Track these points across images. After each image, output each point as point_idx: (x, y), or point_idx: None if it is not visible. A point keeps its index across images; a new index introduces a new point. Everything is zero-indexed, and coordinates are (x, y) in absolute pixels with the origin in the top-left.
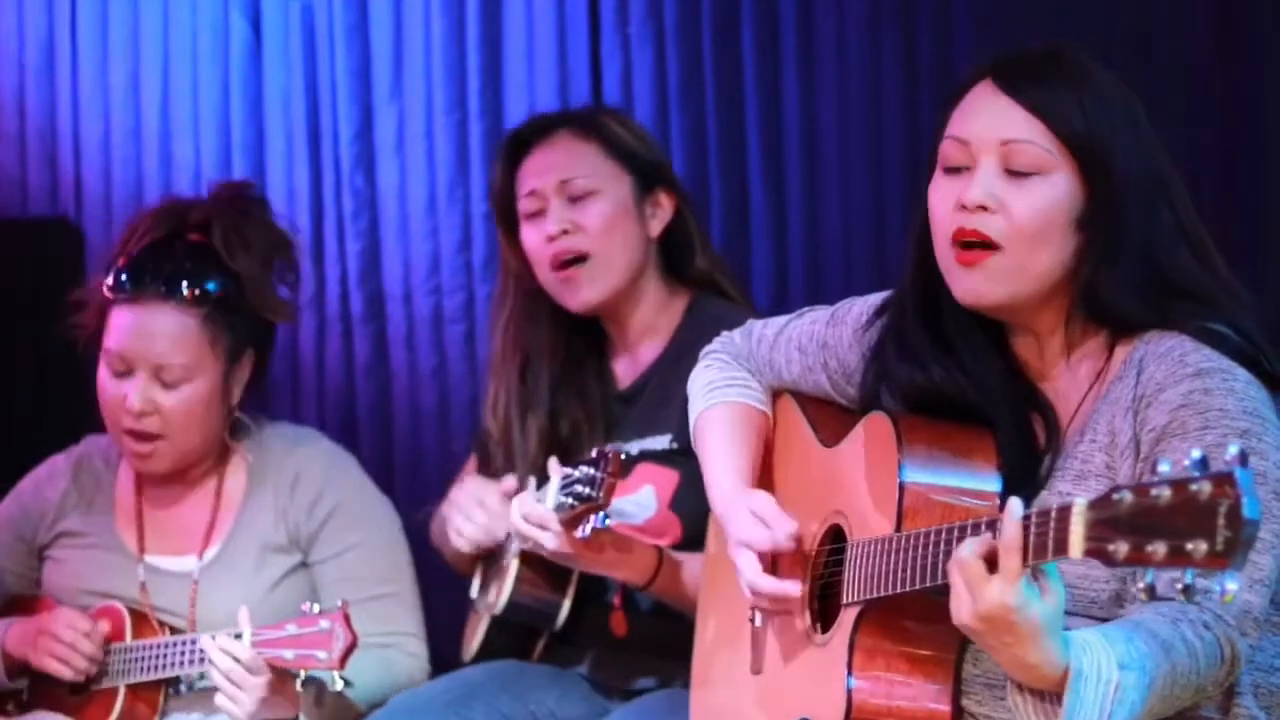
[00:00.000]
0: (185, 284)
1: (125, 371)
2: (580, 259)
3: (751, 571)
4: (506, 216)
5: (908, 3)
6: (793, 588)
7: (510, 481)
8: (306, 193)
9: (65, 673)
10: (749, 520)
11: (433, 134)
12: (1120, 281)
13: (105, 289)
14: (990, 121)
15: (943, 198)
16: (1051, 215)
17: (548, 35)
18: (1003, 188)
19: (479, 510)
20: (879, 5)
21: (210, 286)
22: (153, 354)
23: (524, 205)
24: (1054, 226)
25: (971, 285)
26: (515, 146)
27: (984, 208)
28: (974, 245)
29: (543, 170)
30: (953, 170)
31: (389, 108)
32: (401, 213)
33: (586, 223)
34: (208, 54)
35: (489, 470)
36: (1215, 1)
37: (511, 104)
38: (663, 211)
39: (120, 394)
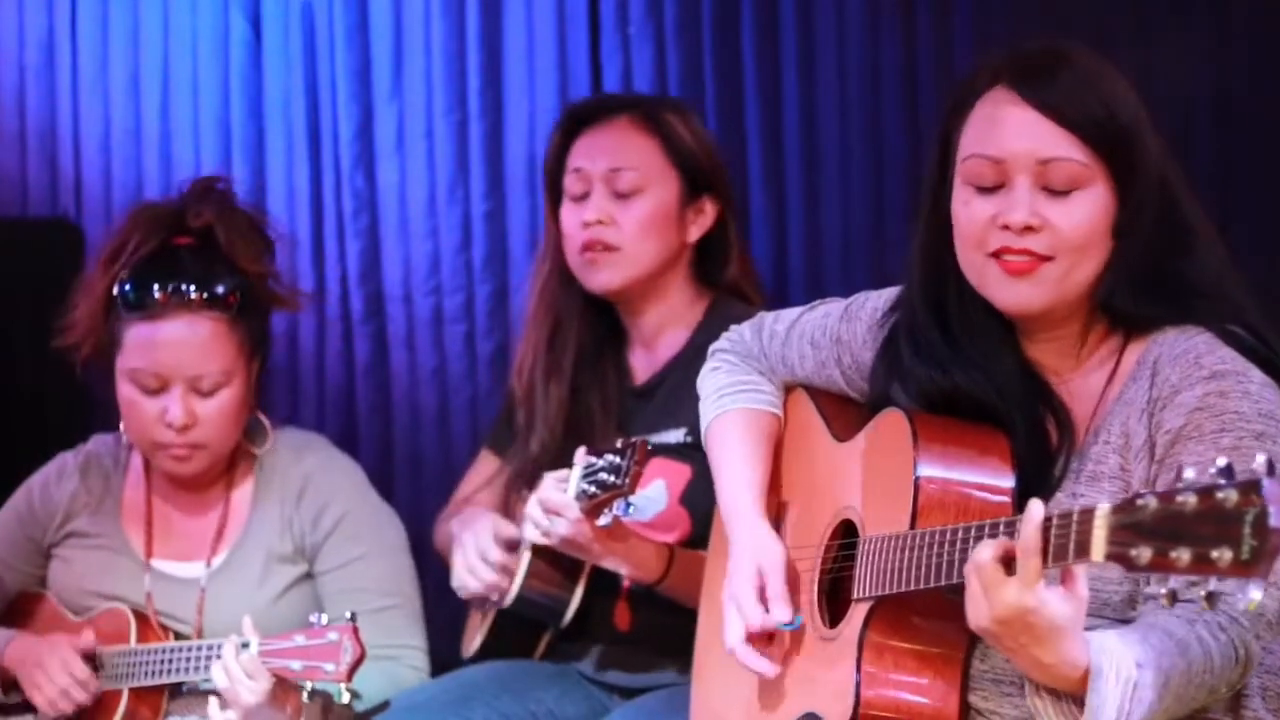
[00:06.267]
0: (203, 290)
1: (159, 388)
2: (608, 249)
3: (734, 635)
4: (554, 186)
5: (908, 3)
6: (768, 668)
7: (509, 530)
8: (306, 193)
9: (47, 711)
10: (751, 580)
11: (433, 134)
12: (1138, 281)
13: (117, 306)
14: (1023, 138)
15: (976, 213)
16: (1095, 225)
17: (548, 35)
18: (1044, 204)
19: (483, 566)
20: (879, 5)
21: (226, 289)
22: (187, 365)
23: (569, 182)
24: (1097, 235)
25: (1017, 294)
26: (574, 121)
27: (1030, 228)
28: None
29: (594, 152)
30: (985, 189)
31: (389, 108)
32: (401, 213)
33: (624, 220)
34: (208, 54)
35: (510, 438)
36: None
37: (511, 104)
38: (704, 218)
39: (157, 410)
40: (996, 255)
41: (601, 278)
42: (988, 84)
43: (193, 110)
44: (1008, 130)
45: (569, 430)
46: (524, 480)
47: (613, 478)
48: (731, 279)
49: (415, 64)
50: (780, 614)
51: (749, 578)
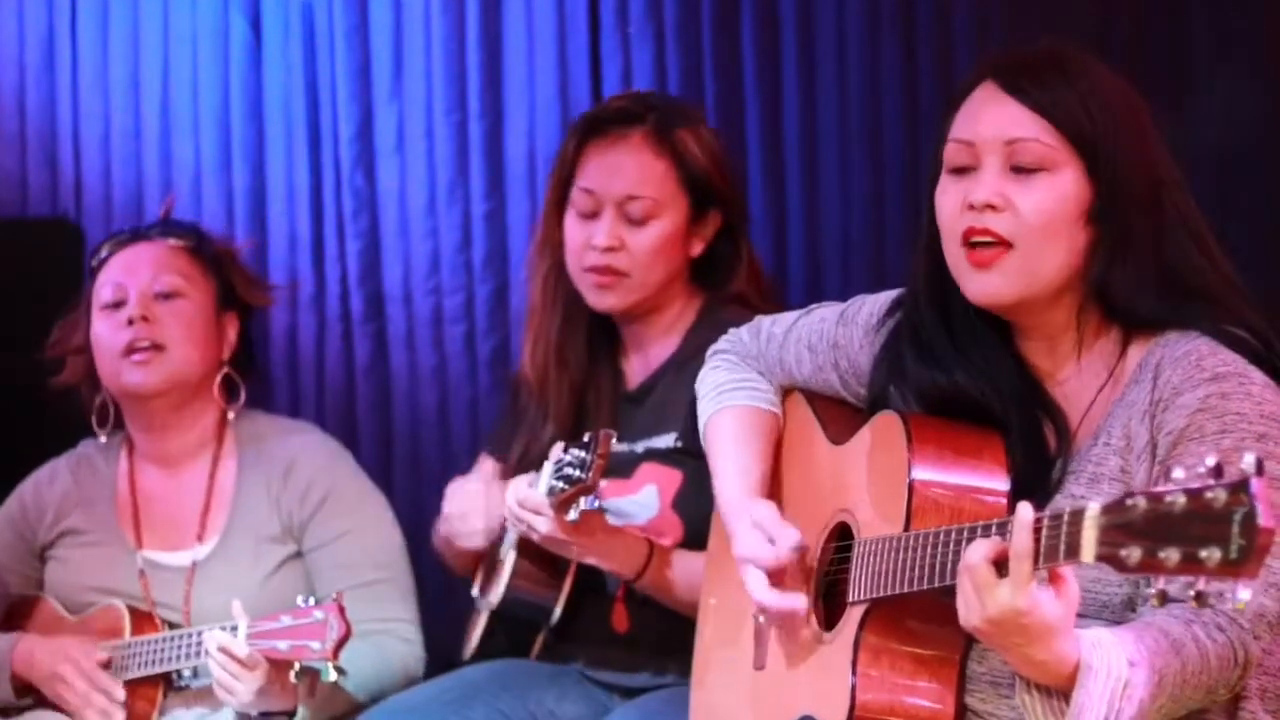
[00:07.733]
0: (171, 230)
1: (121, 300)
2: (617, 274)
3: (758, 588)
4: (561, 189)
5: (908, 2)
6: (798, 601)
7: (489, 464)
8: (306, 193)
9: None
10: (751, 534)
11: (433, 134)
12: (1131, 278)
13: (93, 261)
14: (994, 121)
15: (950, 199)
16: (1059, 210)
17: (548, 35)
18: (1009, 186)
19: (476, 514)
20: (879, 5)
21: (189, 232)
22: (145, 271)
23: (578, 196)
24: (1062, 222)
25: (984, 285)
26: (587, 128)
27: (991, 206)
28: (985, 245)
29: (608, 175)
30: (958, 171)
31: (389, 108)
32: (401, 213)
33: (636, 246)
34: (208, 54)
35: (518, 432)
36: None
37: (511, 104)
38: (707, 231)
39: (119, 320)
40: (966, 242)
41: (609, 301)
42: (975, 81)
43: (193, 110)
44: (982, 115)
45: (574, 423)
46: (531, 467)
47: (577, 472)
48: (737, 291)
49: (415, 64)
50: (786, 540)
51: (749, 530)
